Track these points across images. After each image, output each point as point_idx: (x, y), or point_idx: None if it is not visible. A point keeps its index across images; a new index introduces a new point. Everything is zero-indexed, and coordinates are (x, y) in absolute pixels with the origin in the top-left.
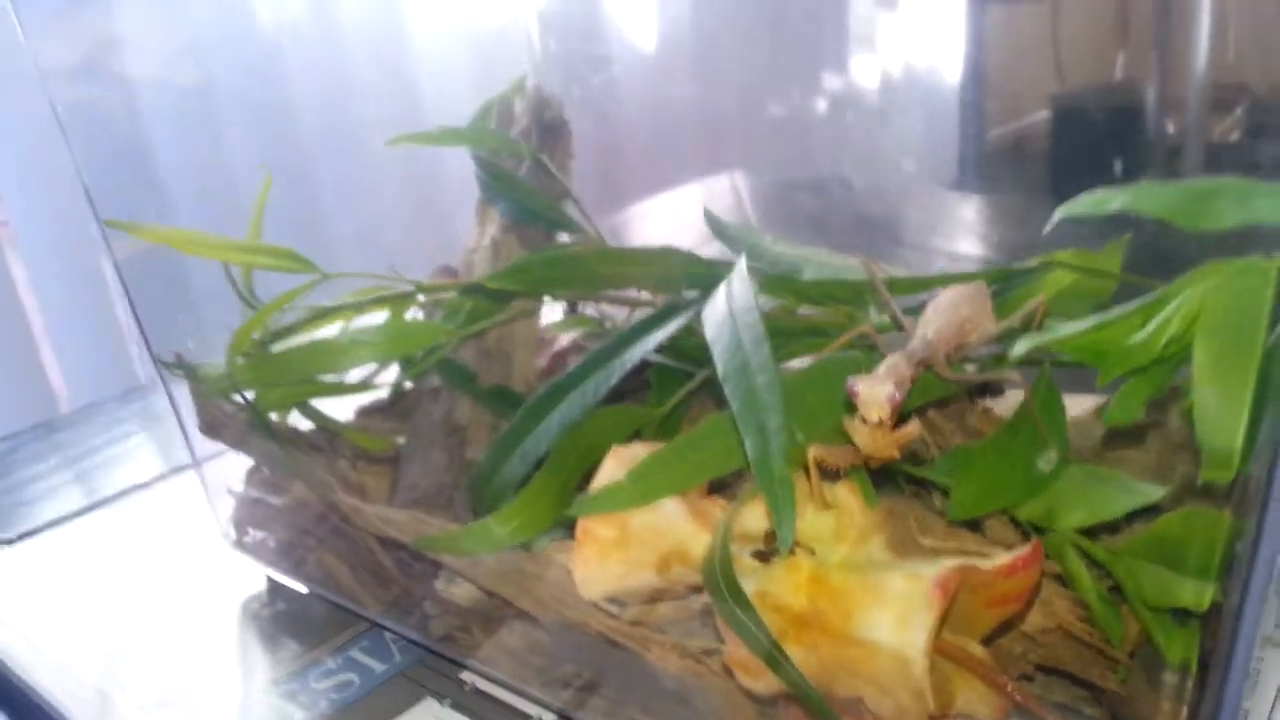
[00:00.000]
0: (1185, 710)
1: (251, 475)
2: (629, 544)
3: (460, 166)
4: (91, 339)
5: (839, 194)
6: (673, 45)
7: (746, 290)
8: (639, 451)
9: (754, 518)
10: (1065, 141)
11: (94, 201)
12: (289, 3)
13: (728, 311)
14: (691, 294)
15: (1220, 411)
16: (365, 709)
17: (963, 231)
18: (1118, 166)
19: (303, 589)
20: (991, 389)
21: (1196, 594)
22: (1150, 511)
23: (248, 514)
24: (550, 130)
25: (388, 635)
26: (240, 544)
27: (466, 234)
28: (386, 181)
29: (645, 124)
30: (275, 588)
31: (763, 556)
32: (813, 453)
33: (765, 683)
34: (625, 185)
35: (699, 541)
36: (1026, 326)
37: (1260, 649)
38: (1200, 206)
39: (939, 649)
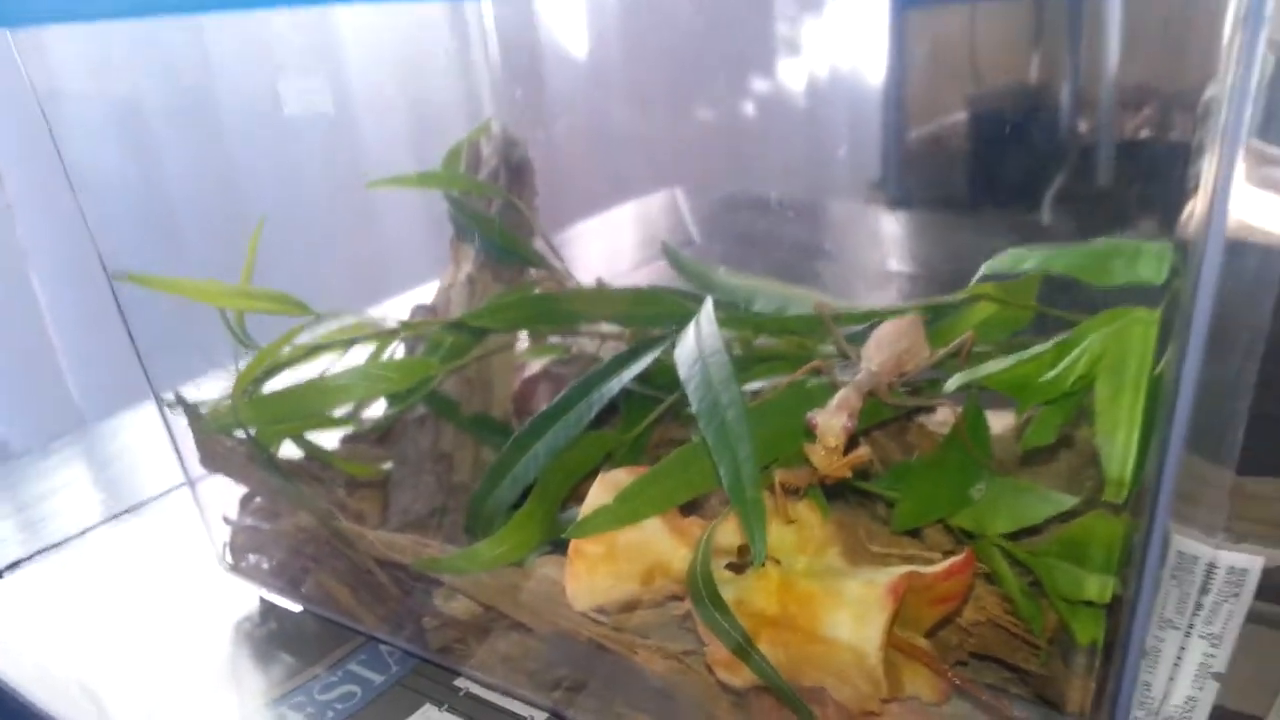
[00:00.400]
0: (1094, 685)
1: (245, 503)
2: (616, 559)
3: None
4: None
5: (767, 207)
6: (607, 69)
7: (714, 333)
8: (622, 477)
9: (728, 534)
10: (982, 141)
11: (103, 258)
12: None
13: (698, 353)
14: (657, 330)
15: (1116, 442)
16: (368, 717)
17: (885, 237)
18: (1031, 166)
19: (296, 608)
20: (926, 408)
21: (1100, 587)
22: (1064, 517)
23: (245, 540)
24: (517, 170)
25: (383, 648)
26: (237, 568)
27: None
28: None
29: (586, 144)
30: (268, 608)
31: (736, 568)
32: (778, 476)
33: (741, 677)
34: (570, 205)
35: (678, 556)
36: (957, 355)
37: (1160, 629)
38: (1099, 265)
39: (889, 642)
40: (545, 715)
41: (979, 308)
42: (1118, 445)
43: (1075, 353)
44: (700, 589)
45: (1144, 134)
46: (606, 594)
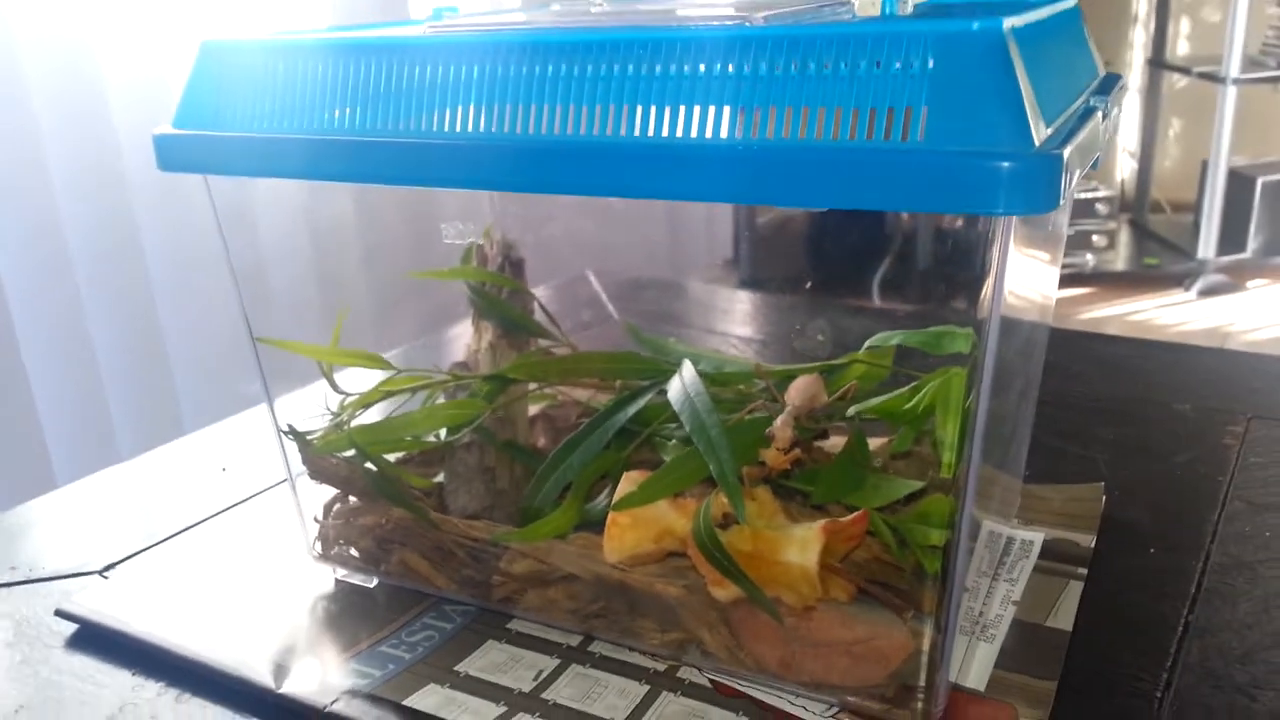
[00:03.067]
0: (936, 596)
1: (328, 508)
2: (638, 526)
3: None
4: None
5: (665, 287)
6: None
7: (696, 379)
8: (638, 475)
9: (716, 507)
10: (819, 229)
11: (249, 319)
12: None
13: (685, 393)
14: (641, 382)
15: (946, 443)
16: (448, 651)
17: (737, 312)
18: (861, 251)
19: (369, 585)
20: (821, 435)
21: (939, 538)
22: (916, 497)
23: (335, 533)
24: (516, 265)
25: (446, 607)
26: (326, 556)
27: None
28: None
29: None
30: (347, 587)
31: (722, 526)
32: (745, 470)
33: (728, 592)
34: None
35: (680, 524)
36: (844, 398)
37: (979, 577)
38: (935, 341)
39: (821, 564)
40: (579, 639)
41: (855, 368)
42: (947, 445)
43: (921, 393)
44: (704, 536)
45: (957, 224)
46: (632, 550)
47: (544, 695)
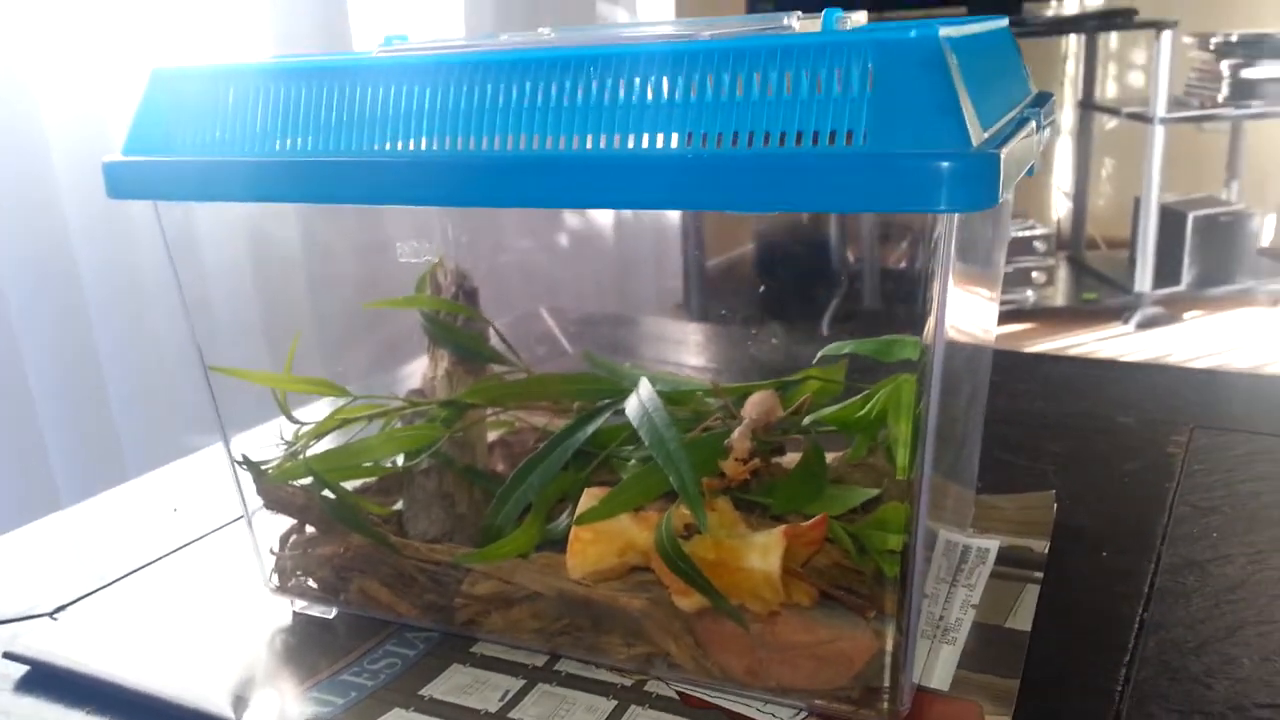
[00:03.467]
0: (897, 596)
1: (284, 539)
2: (600, 541)
3: None
4: None
5: (617, 323)
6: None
7: (653, 395)
8: (600, 492)
9: (677, 519)
10: (767, 268)
11: (201, 348)
12: None
13: (643, 409)
14: (599, 403)
15: (900, 447)
16: (411, 676)
17: (690, 346)
18: (809, 290)
19: (329, 615)
20: (778, 451)
21: (896, 542)
22: (873, 504)
23: (293, 564)
24: (470, 294)
25: (408, 634)
26: (283, 588)
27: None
28: None
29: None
30: (303, 619)
31: (684, 537)
32: (705, 482)
33: (692, 602)
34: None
35: (641, 537)
36: (799, 411)
37: (938, 584)
38: (886, 349)
39: (784, 569)
40: (545, 658)
41: (809, 384)
42: (901, 448)
43: (874, 400)
44: (666, 545)
45: (902, 264)
46: (595, 564)
47: (511, 715)
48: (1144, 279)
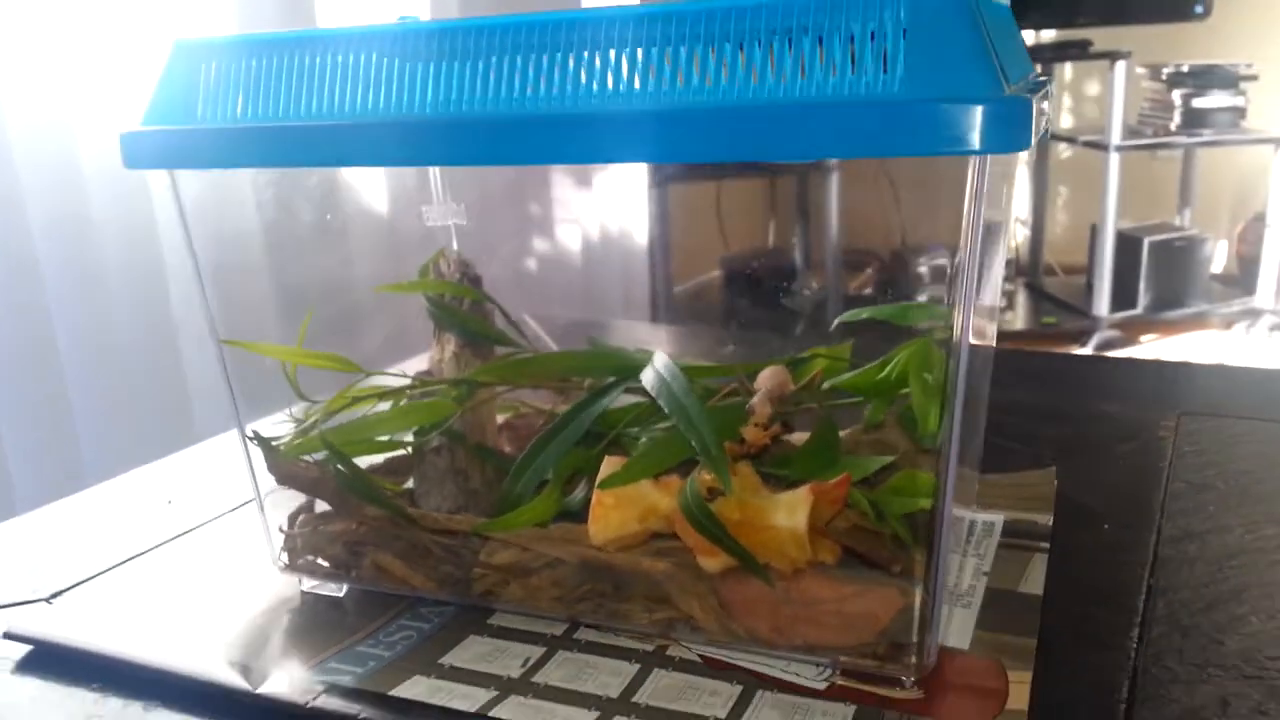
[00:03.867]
0: (922, 558)
1: (293, 518)
2: (622, 506)
3: None
4: None
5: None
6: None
7: (670, 363)
8: (619, 460)
9: (700, 482)
10: (731, 295)
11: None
12: None
13: (661, 378)
14: (608, 380)
15: (925, 409)
16: (429, 647)
17: (680, 343)
18: (774, 315)
19: (338, 593)
20: (787, 428)
21: (915, 506)
22: (886, 473)
23: (303, 542)
24: (474, 281)
25: (422, 609)
26: (293, 566)
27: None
28: None
29: None
30: (312, 598)
31: (710, 498)
32: (727, 446)
33: (717, 562)
34: None
35: (663, 502)
36: (808, 387)
37: (950, 555)
38: (903, 314)
39: (809, 527)
40: (564, 626)
41: (816, 361)
42: (925, 410)
43: (893, 363)
44: (692, 505)
45: (867, 291)
46: (617, 530)
47: (534, 679)
48: (1101, 303)
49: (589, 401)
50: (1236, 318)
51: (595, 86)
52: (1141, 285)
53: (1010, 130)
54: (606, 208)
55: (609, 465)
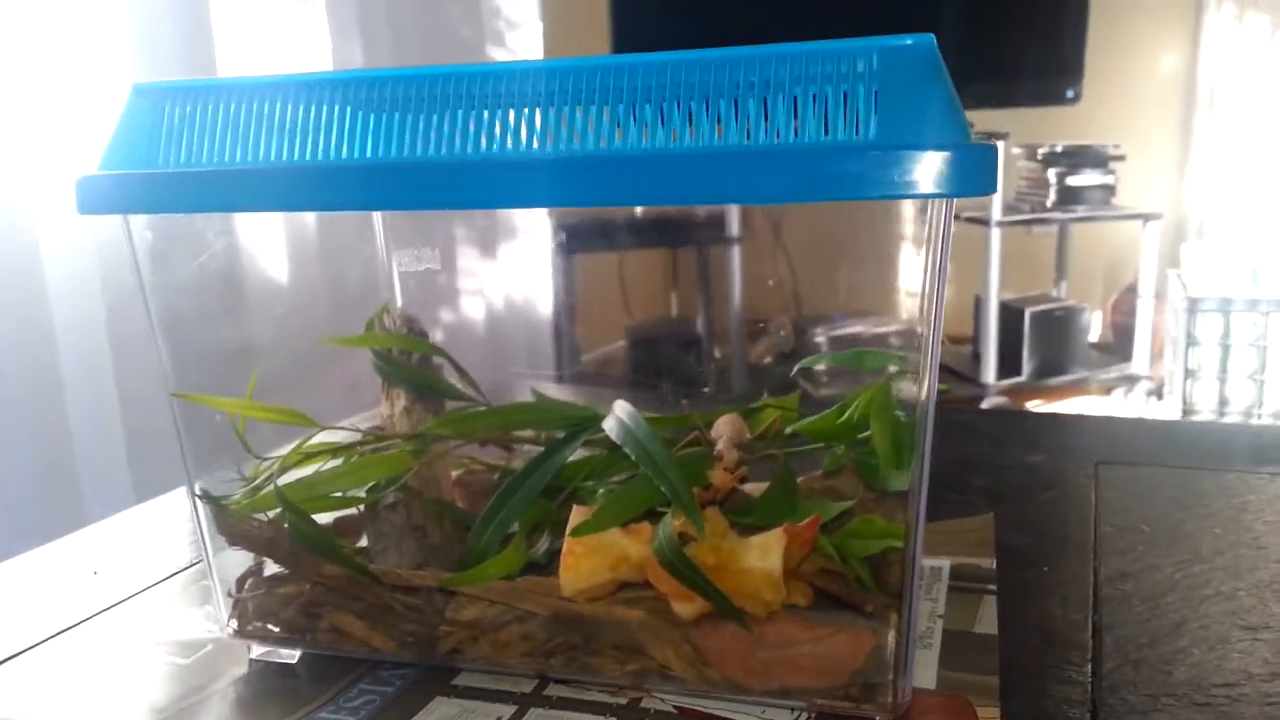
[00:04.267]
0: (893, 598)
1: (241, 582)
2: (593, 555)
3: None
4: None
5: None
6: None
7: (632, 411)
8: (587, 510)
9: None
10: (638, 363)
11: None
12: None
13: (624, 426)
14: (569, 430)
15: (885, 455)
16: (393, 712)
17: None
18: (678, 379)
19: (291, 658)
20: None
21: (873, 549)
22: (847, 515)
23: (254, 606)
24: (420, 335)
25: (383, 672)
26: (242, 632)
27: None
28: None
29: None
30: (261, 667)
31: (682, 543)
32: (695, 491)
33: (693, 607)
34: None
35: (633, 549)
36: (764, 436)
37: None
38: (858, 359)
39: (782, 568)
40: (533, 683)
41: (768, 411)
42: (887, 451)
43: (852, 408)
44: (667, 550)
45: (767, 360)
46: (588, 579)
47: None
48: (988, 371)
49: (549, 453)
50: (1115, 383)
51: (596, 137)
52: (1025, 353)
53: (979, 174)
54: (511, 277)
55: (578, 514)
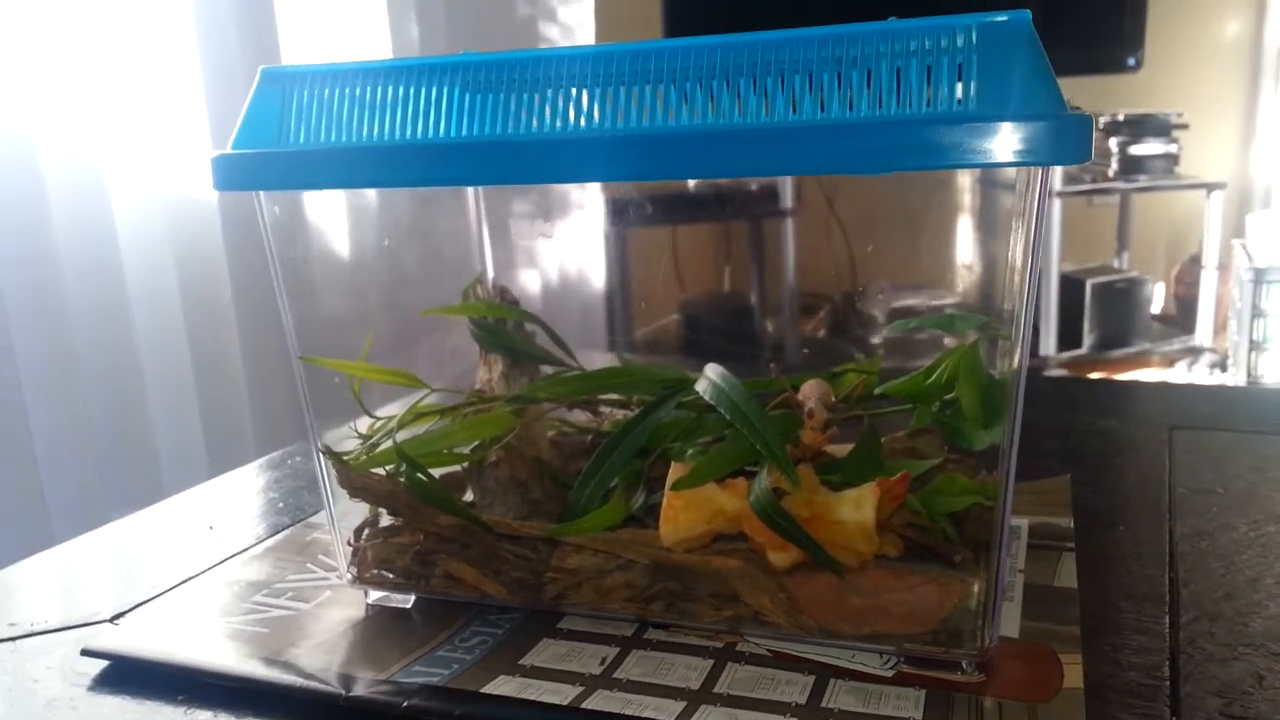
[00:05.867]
0: (983, 549)
1: (359, 532)
2: (690, 508)
3: None
4: None
5: None
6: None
7: (725, 373)
8: (684, 467)
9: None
10: (690, 337)
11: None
12: None
13: (717, 387)
14: (662, 393)
15: (973, 415)
16: (506, 650)
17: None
18: (732, 353)
19: (405, 604)
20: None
21: (955, 505)
22: (931, 473)
23: (373, 554)
24: (512, 304)
25: (491, 615)
26: (360, 579)
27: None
28: None
29: None
30: (378, 610)
31: (777, 495)
32: (787, 449)
33: (786, 557)
34: None
35: (730, 504)
36: (847, 399)
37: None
38: (948, 323)
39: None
40: (633, 629)
41: (851, 375)
42: (973, 411)
43: (940, 368)
44: (764, 502)
45: (820, 333)
46: (686, 530)
47: (616, 675)
48: (1049, 343)
49: (645, 414)
50: (1177, 355)
51: (699, 109)
52: (1086, 325)
53: (1076, 143)
54: (567, 253)
55: (677, 470)
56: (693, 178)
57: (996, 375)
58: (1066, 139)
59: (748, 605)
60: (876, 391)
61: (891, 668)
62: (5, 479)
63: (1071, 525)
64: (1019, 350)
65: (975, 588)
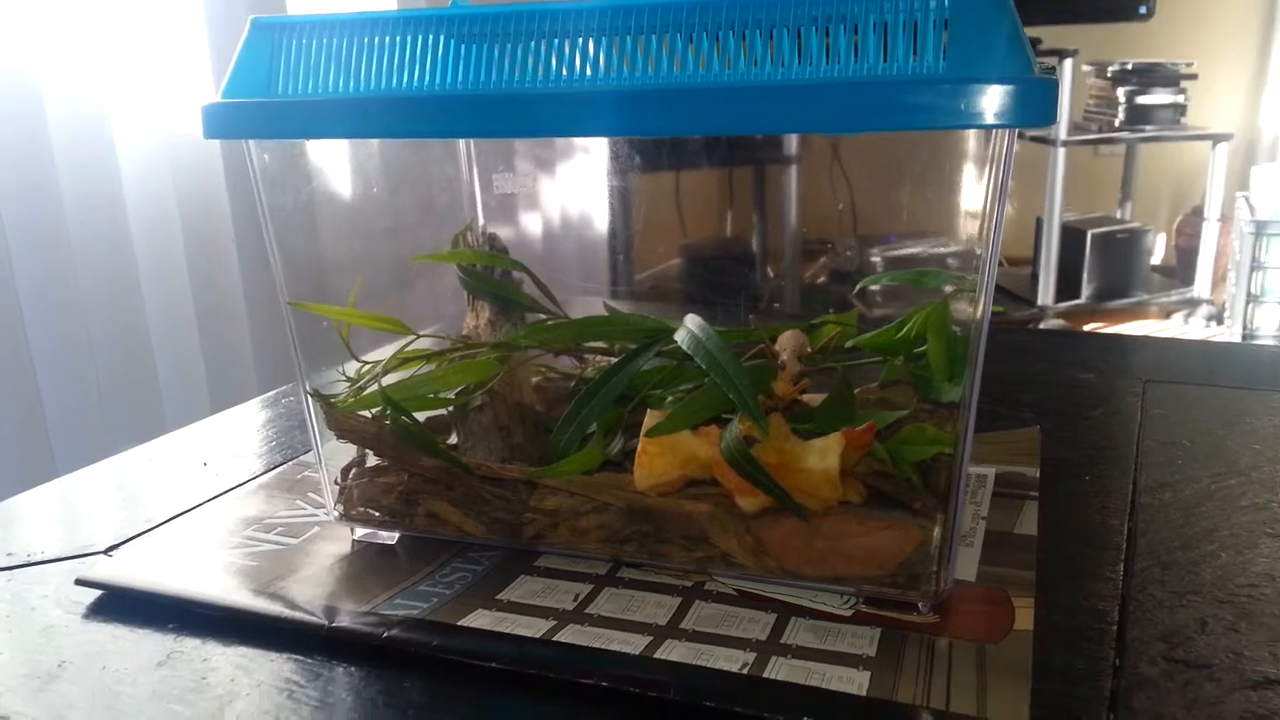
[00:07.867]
0: (940, 496)
1: (346, 471)
2: (665, 454)
3: None
4: None
5: None
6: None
7: (703, 324)
8: (660, 414)
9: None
10: (692, 281)
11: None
12: None
13: (696, 336)
14: (643, 341)
15: (940, 369)
16: (484, 586)
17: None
18: (732, 297)
19: (390, 540)
20: (804, 392)
21: (921, 455)
22: (900, 424)
23: (359, 493)
24: (501, 252)
25: (472, 553)
26: (347, 517)
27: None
28: None
29: None
30: (363, 547)
31: (748, 443)
32: (760, 399)
33: (755, 502)
34: None
35: (702, 450)
36: (823, 350)
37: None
38: (918, 279)
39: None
40: (606, 568)
41: (828, 328)
42: (940, 365)
43: (910, 323)
44: (734, 449)
45: (820, 279)
46: (660, 475)
47: (588, 610)
48: (1047, 293)
49: (625, 362)
50: (1175, 307)
51: (676, 64)
52: (1085, 276)
53: (1040, 106)
54: (577, 196)
55: (652, 417)
56: (664, 135)
57: (963, 333)
58: (1032, 102)
59: (716, 547)
60: (848, 344)
61: (850, 607)
62: (9, 413)
63: (1037, 475)
64: (981, 303)
65: (934, 533)
